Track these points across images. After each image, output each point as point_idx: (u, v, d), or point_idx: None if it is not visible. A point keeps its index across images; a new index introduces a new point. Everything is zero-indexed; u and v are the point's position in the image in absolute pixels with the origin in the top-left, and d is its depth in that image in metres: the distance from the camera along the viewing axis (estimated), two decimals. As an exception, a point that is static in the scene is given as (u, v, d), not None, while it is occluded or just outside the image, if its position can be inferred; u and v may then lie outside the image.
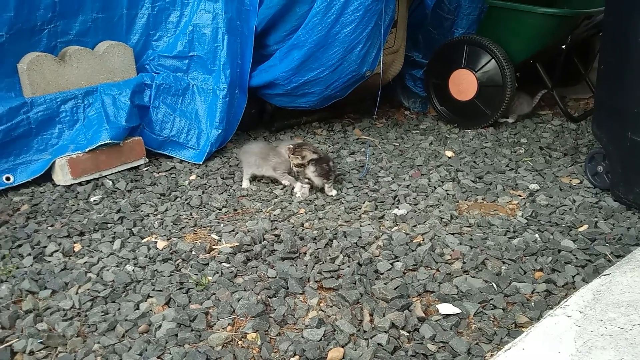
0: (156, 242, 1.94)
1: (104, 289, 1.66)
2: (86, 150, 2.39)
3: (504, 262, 1.75)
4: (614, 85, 2.09)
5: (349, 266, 1.73)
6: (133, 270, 1.76)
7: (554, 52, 2.89)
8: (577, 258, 1.76)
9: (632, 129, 2.00)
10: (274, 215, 2.10)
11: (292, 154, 2.20)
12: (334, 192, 2.23)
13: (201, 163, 2.57)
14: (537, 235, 1.90)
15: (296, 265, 1.75)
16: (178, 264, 1.81)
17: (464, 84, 2.91)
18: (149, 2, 2.66)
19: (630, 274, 0.98)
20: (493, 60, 2.80)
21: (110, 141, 2.43)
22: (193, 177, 2.46)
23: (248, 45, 2.67)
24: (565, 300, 0.89)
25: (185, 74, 2.71)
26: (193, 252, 1.86)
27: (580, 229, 1.94)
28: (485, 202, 2.17)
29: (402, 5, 2.84)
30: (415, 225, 1.99)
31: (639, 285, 0.94)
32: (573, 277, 1.66)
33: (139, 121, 2.58)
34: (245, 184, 2.35)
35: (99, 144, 2.41)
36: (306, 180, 2.21)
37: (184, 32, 2.67)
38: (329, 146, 2.73)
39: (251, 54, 2.67)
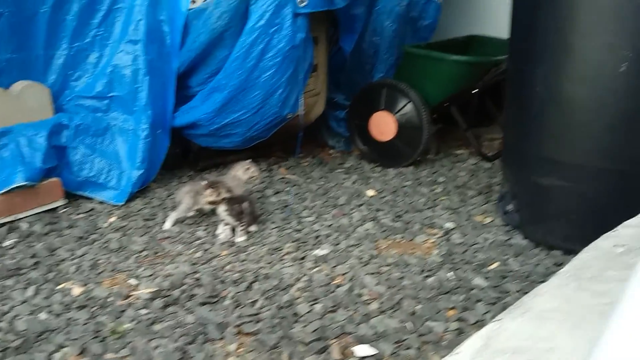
0: (72, 288, 1.88)
1: (16, 339, 1.59)
2: (0, 192, 2.30)
3: (419, 302, 1.81)
4: (518, 131, 2.24)
5: (269, 309, 1.74)
6: (47, 319, 1.70)
7: (468, 96, 3.05)
8: (488, 296, 1.85)
9: (535, 172, 2.15)
10: (196, 257, 2.08)
11: (207, 190, 2.19)
12: (242, 238, 2.19)
13: (122, 204, 2.52)
14: (450, 273, 1.98)
15: (216, 310, 1.74)
16: (94, 311, 1.76)
17: (383, 126, 3.02)
18: (66, 43, 2.62)
19: (519, 320, 1.04)
20: (410, 103, 2.93)
21: (25, 183, 2.34)
22: (113, 218, 2.40)
23: (170, 86, 2.67)
24: (458, 346, 0.94)
25: (105, 114, 2.66)
26: (110, 299, 1.82)
27: (492, 267, 2.04)
28: (403, 241, 2.24)
29: (322, 51, 2.94)
30: (335, 266, 2.02)
31: (526, 331, 1.00)
32: (483, 314, 1.74)
33: (57, 162, 2.51)
34: (168, 225, 2.32)
35: (14, 186, 2.32)
36: (225, 221, 2.21)
37: (104, 72, 2.64)
38: (253, 185, 2.74)
39: (173, 94, 2.67)
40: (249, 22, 2.54)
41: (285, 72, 2.57)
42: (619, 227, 1.53)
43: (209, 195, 2.21)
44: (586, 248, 1.41)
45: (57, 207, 2.46)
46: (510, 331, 1.03)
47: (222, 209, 2.19)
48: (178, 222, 2.33)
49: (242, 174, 2.43)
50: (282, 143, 3.10)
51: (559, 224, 2.13)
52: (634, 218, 1.59)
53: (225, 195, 2.22)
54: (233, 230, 2.23)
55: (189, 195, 2.30)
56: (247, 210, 2.23)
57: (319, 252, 2.12)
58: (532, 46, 2.11)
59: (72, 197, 2.54)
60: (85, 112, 2.66)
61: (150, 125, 2.61)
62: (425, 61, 2.95)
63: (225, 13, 2.56)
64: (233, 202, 2.20)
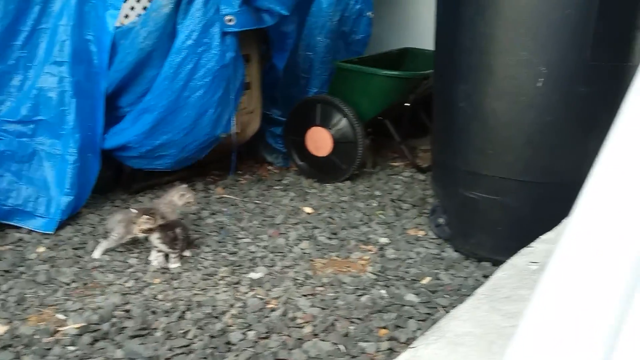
0: (-5, 327, 1.81)
1: None
2: None
3: (352, 322, 1.83)
4: (445, 146, 2.30)
5: (201, 340, 1.72)
6: (-35, 363, 1.63)
7: (401, 109, 3.11)
8: (419, 312, 1.89)
9: (462, 185, 2.21)
10: (127, 287, 2.03)
11: (143, 217, 2.14)
12: (175, 265, 2.16)
13: (52, 232, 2.44)
14: (383, 291, 2.01)
15: (146, 343, 1.71)
16: (19, 351, 1.70)
17: (319, 141, 3.05)
18: (-13, 66, 2.52)
19: (433, 346, 1.07)
20: (344, 118, 2.97)
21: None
22: (42, 249, 2.32)
23: (99, 108, 2.61)
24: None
25: (31, 139, 2.57)
26: (36, 336, 1.75)
27: (423, 282, 2.09)
28: (338, 260, 2.26)
29: (254, 68, 2.94)
30: (270, 289, 2.02)
31: (438, 358, 1.03)
32: (414, 332, 1.78)
33: (-19, 191, 2.41)
34: (97, 254, 2.26)
35: None
36: (157, 248, 2.17)
37: (28, 96, 2.54)
38: (189, 209, 2.71)
39: (102, 116, 2.61)
40: (177, 42, 2.52)
41: (215, 91, 2.55)
42: (535, 242, 1.60)
43: (144, 223, 2.15)
44: (502, 266, 1.46)
45: (-18, 239, 2.36)
46: (424, 359, 1.06)
47: (154, 237, 2.15)
48: (108, 251, 2.28)
49: (177, 199, 2.39)
50: (219, 162, 3.08)
51: (487, 236, 2.21)
52: (549, 232, 1.66)
53: (160, 222, 2.18)
54: (167, 256, 2.19)
55: (121, 225, 2.24)
56: (181, 236, 2.19)
57: (254, 275, 2.11)
58: (454, 64, 2.18)
59: (-1, 227, 2.45)
60: (10, 138, 2.55)
61: (79, 149, 2.54)
62: (357, 76, 2.99)
63: (152, 32, 2.52)
64: (166, 228, 2.17)
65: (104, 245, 2.27)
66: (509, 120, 2.10)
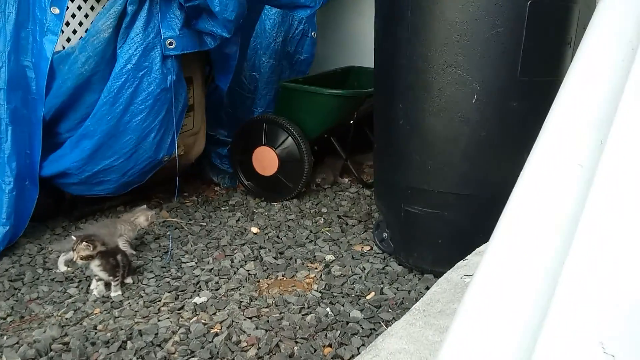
0: None
1: None
2: None
3: (296, 342, 1.82)
4: (386, 162, 2.34)
5: (142, 369, 1.68)
6: None
7: (345, 126, 3.15)
8: (363, 328, 1.90)
9: (404, 201, 2.25)
10: (66, 319, 1.97)
11: (82, 244, 2.09)
12: (116, 293, 2.12)
13: (-14, 265, 2.36)
14: (328, 308, 2.01)
15: (85, 376, 1.66)
16: (-52, 393, 1.62)
17: (266, 160, 3.05)
18: None
19: (367, 365, 1.08)
20: (290, 137, 2.98)
21: None
22: (-25, 282, 2.23)
23: (37, 135, 2.54)
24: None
25: (-35, 168, 2.49)
26: (-34, 376, 1.68)
27: (368, 297, 2.11)
28: (284, 279, 2.26)
29: (198, 89, 2.92)
30: (214, 313, 2.00)
31: (371, 378, 1.05)
32: (358, 348, 1.78)
33: None
34: (62, 267, 2.31)
35: None
36: (97, 277, 2.12)
37: (-39, 124, 2.47)
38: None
39: (40, 143, 2.54)
40: (117, 66, 2.48)
41: (157, 115, 2.53)
42: (470, 255, 1.63)
43: (83, 250, 2.10)
44: (438, 281, 1.49)
45: None
46: (358, 378, 1.07)
47: (95, 264, 2.10)
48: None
49: (143, 220, 2.50)
50: (164, 184, 3.04)
51: (428, 249, 2.25)
52: (485, 244, 1.70)
53: (100, 248, 2.13)
54: (108, 285, 2.14)
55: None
56: (122, 263, 2.15)
57: (198, 299, 2.09)
58: (393, 83, 2.23)
59: None
60: (-58, 167, 2.47)
61: (16, 177, 2.47)
62: (301, 95, 3.01)
63: (91, 57, 2.48)
64: (107, 255, 2.12)
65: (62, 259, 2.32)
66: (446, 136, 2.15)
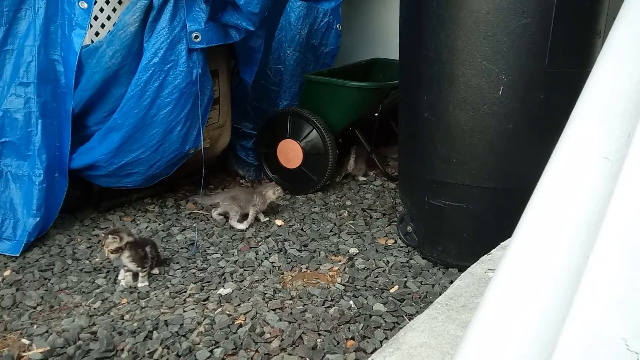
0: (-42, 356, 1.78)
1: None
2: None
3: (319, 334, 1.83)
4: (411, 155, 2.33)
5: (167, 359, 1.71)
6: None
7: (370, 119, 3.14)
8: (385, 321, 1.89)
9: (429, 194, 2.23)
10: (94, 309, 2.01)
11: (109, 238, 2.13)
12: (143, 284, 2.15)
13: (18, 255, 2.41)
14: (351, 301, 2.01)
15: (112, 365, 1.70)
16: (-19, 379, 1.67)
17: (290, 153, 3.06)
18: (-48, 89, 2.50)
19: (389, 359, 1.08)
20: (314, 130, 2.98)
21: None
22: (7, 272, 2.29)
23: (66, 128, 2.59)
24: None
25: (-3, 161, 2.55)
26: (-1, 363, 1.73)
27: (392, 290, 2.10)
28: (308, 271, 2.26)
29: (223, 83, 2.94)
30: (239, 305, 2.02)
31: (391, 371, 1.04)
32: (381, 342, 1.78)
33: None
34: (242, 226, 2.65)
35: None
36: (125, 268, 2.16)
37: (-6, 118, 2.53)
38: (160, 224, 2.70)
39: (69, 136, 2.59)
40: (143, 60, 2.51)
41: (183, 108, 2.55)
42: (495, 249, 1.61)
43: (111, 244, 2.13)
44: (461, 275, 1.48)
45: (-53, 264, 2.33)
46: (379, 372, 1.07)
47: (125, 255, 2.14)
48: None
49: (272, 194, 2.73)
50: (190, 177, 3.07)
51: (453, 243, 2.23)
52: (509, 239, 1.68)
53: (127, 239, 2.16)
54: (135, 275, 2.18)
55: (226, 204, 2.67)
56: (151, 254, 2.19)
57: (223, 291, 2.11)
58: (418, 75, 2.21)
59: (-36, 251, 2.41)
60: (-25, 160, 2.54)
61: (46, 169, 2.52)
62: (326, 88, 3.01)
63: (118, 51, 2.51)
64: (136, 246, 2.16)
65: (234, 223, 2.66)
66: (472, 129, 2.12)
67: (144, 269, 2.16)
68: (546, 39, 1.99)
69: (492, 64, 2.04)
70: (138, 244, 2.17)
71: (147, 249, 2.19)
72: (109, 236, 2.13)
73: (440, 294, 2.01)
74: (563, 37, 1.99)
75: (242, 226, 2.65)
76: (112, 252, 2.13)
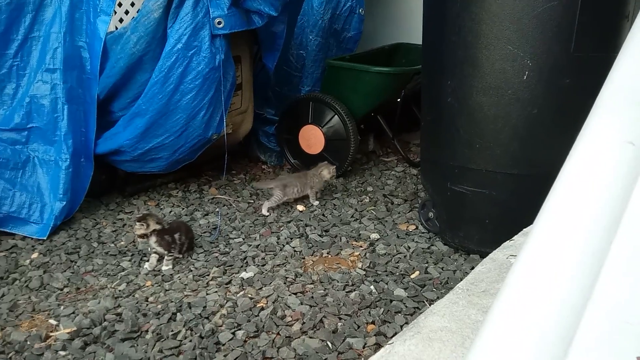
0: (-12, 333, 1.83)
1: None
2: None
3: (340, 318, 1.84)
4: (433, 141, 2.31)
5: (190, 340, 1.74)
6: (-41, 370, 1.65)
7: (392, 105, 3.12)
8: (406, 306, 1.90)
9: (451, 180, 2.22)
10: (119, 291, 2.06)
11: (136, 225, 2.18)
12: (167, 267, 2.19)
13: (45, 238, 2.47)
14: (372, 286, 2.02)
15: (136, 346, 1.73)
16: (11, 357, 1.72)
17: (312, 139, 3.06)
18: (-19, 76, 2.55)
19: (409, 342, 1.08)
20: (336, 116, 2.98)
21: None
22: (35, 255, 2.35)
23: (91, 113, 2.63)
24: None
25: (25, 146, 2.60)
26: (28, 342, 1.78)
27: (412, 276, 2.10)
28: (329, 256, 2.27)
29: (246, 68, 2.95)
30: (260, 288, 2.04)
31: (413, 354, 1.05)
32: (401, 326, 1.79)
33: (-25, 199, 2.44)
34: (265, 211, 2.67)
35: None
36: (153, 250, 2.19)
37: (21, 103, 2.58)
38: (183, 209, 2.73)
39: (95, 121, 2.63)
40: (167, 46, 2.53)
41: (206, 93, 2.57)
42: (517, 235, 1.60)
43: (138, 229, 2.18)
44: (483, 260, 1.47)
45: (-23, 246, 2.39)
46: (399, 355, 1.07)
47: (152, 240, 2.18)
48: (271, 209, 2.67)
49: (327, 173, 2.76)
50: (213, 162, 3.10)
51: (475, 228, 2.21)
52: (531, 225, 1.67)
53: (154, 227, 2.20)
54: (161, 259, 2.22)
55: (277, 189, 2.67)
56: (179, 240, 2.22)
57: (245, 274, 2.13)
58: (441, 59, 2.19)
59: (-7, 234, 2.48)
60: (4, 146, 2.58)
61: (72, 154, 2.57)
62: (348, 73, 2.99)
63: (142, 37, 2.54)
64: (164, 232, 2.19)
65: (267, 204, 2.67)
66: (495, 114, 2.10)
67: (170, 254, 2.19)
68: (572, 22, 1.95)
69: (517, 48, 2.01)
70: (166, 230, 2.21)
71: (176, 235, 2.22)
72: (137, 223, 2.17)
73: (461, 280, 2.01)
74: (590, 21, 1.95)
75: (266, 212, 2.68)
76: (139, 237, 2.18)
